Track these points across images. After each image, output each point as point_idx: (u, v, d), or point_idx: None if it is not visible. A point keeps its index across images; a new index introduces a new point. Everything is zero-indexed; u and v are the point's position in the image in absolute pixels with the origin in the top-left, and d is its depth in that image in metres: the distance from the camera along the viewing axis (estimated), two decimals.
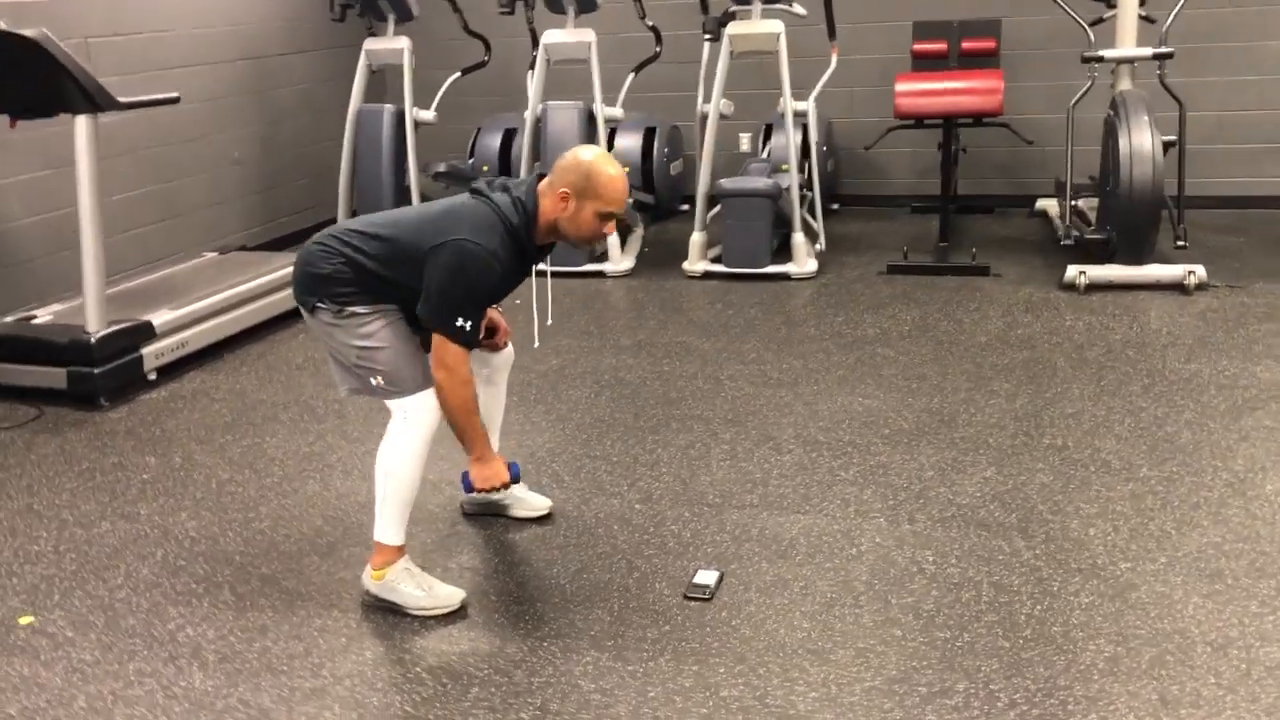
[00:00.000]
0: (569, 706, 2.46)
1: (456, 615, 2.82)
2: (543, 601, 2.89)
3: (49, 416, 4.29)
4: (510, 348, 3.26)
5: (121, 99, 4.34)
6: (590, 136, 5.90)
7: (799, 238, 5.68)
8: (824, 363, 4.51)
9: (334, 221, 6.42)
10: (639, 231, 6.59)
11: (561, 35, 5.96)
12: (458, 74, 6.47)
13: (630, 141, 6.84)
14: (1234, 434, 3.66)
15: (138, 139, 5.66)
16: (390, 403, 2.82)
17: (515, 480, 3.08)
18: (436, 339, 2.74)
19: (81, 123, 4.25)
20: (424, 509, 3.38)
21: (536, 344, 3.17)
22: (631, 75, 6.12)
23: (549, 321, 3.21)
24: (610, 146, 6.88)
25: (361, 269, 2.77)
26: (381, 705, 2.49)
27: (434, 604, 2.83)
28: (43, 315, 4.63)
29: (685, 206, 7.05)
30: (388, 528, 2.85)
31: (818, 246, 5.92)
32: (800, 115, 5.74)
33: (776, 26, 5.61)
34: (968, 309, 5.09)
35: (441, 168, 6.84)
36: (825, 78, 5.82)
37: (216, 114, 6.25)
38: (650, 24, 6.14)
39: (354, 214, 6.32)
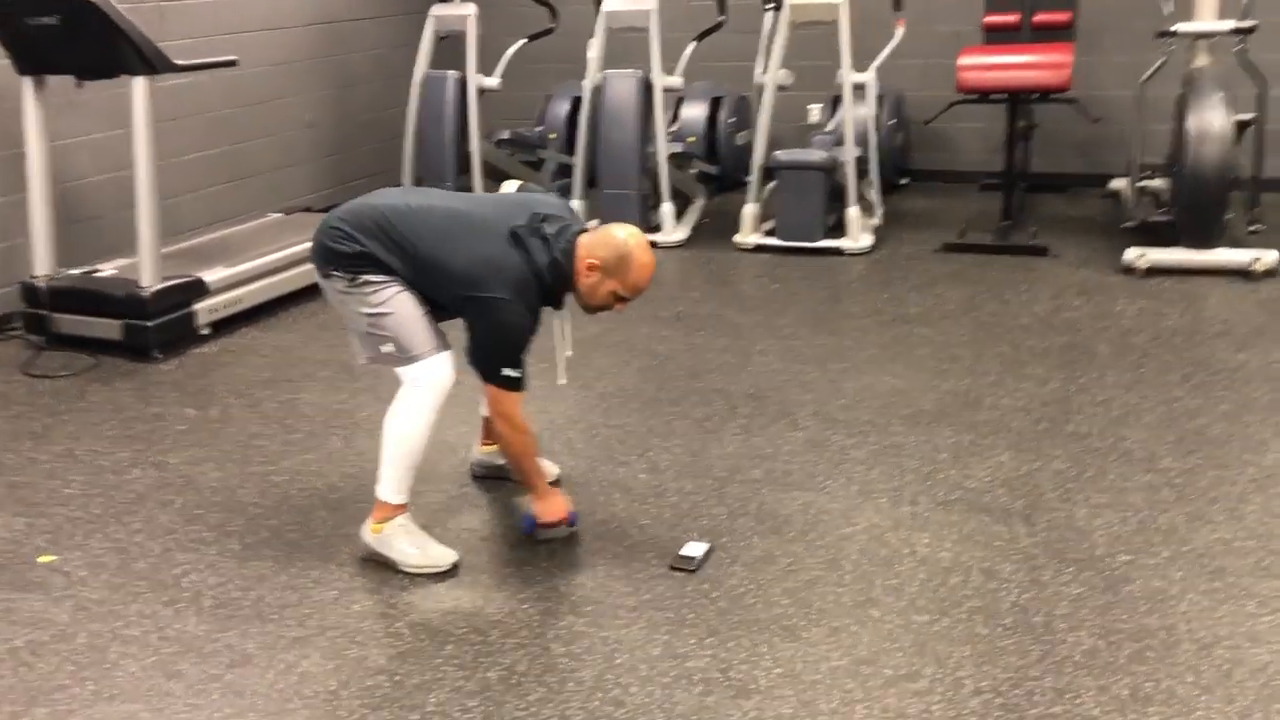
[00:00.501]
0: (535, 669, 2.50)
1: (446, 575, 2.89)
2: (531, 565, 2.94)
3: (105, 366, 4.48)
4: None
5: (178, 61, 4.48)
6: (648, 106, 5.89)
7: (853, 212, 5.60)
8: (858, 340, 4.46)
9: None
10: (699, 203, 6.58)
11: (621, 3, 5.94)
12: (524, 40, 6.50)
13: (696, 111, 6.79)
14: (1270, 429, 3.53)
15: (209, 101, 5.83)
16: (400, 370, 2.88)
17: (573, 524, 3.14)
18: (490, 390, 2.86)
19: (138, 84, 4.40)
20: (435, 469, 3.46)
21: (563, 380, 3.24)
22: (693, 44, 6.08)
23: (569, 352, 3.25)
24: (675, 117, 6.87)
25: (377, 260, 2.83)
26: (357, 658, 2.56)
27: (425, 562, 2.90)
28: (106, 269, 4.83)
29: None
30: (390, 487, 2.92)
31: (874, 222, 5.82)
32: (860, 88, 5.64)
33: None
34: (1017, 290, 4.97)
35: (506, 135, 6.91)
36: (888, 50, 5.72)
37: (289, 78, 6.40)
38: None
39: (419, 181, 6.44)
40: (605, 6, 5.96)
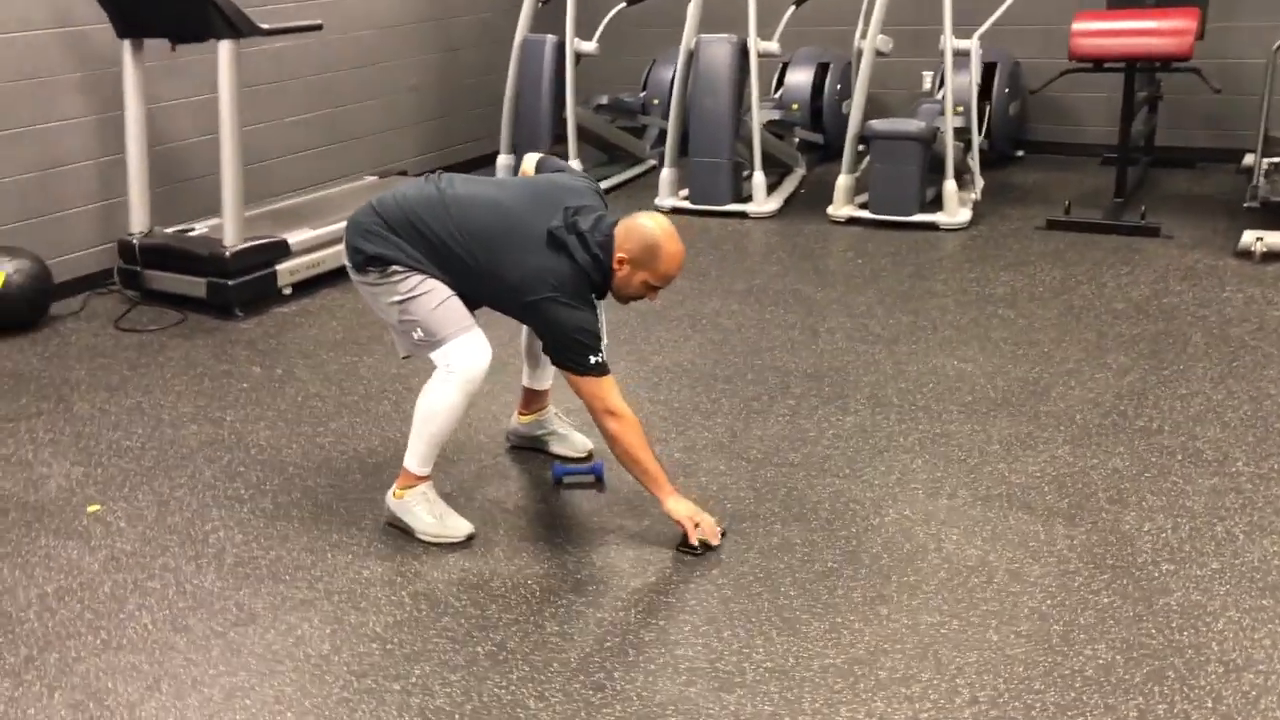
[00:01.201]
0: (525, 646, 2.48)
1: (460, 546, 2.89)
2: (546, 541, 2.91)
3: (190, 323, 4.64)
4: None
5: (264, 25, 4.57)
6: (743, 71, 5.74)
7: (950, 185, 5.37)
8: (934, 320, 4.27)
9: (495, 156, 6.58)
10: (799, 172, 6.42)
11: None
12: (623, 4, 6.42)
13: (800, 77, 6.62)
14: None
15: (312, 64, 5.95)
16: (433, 355, 2.86)
17: (558, 482, 3.17)
18: (586, 388, 2.80)
19: (224, 47, 4.51)
20: (473, 440, 3.47)
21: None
22: (792, 8, 5.91)
23: (604, 341, 3.19)
24: (779, 83, 6.71)
25: (407, 255, 2.82)
26: (356, 623, 2.59)
27: (441, 532, 2.91)
28: (199, 229, 4.99)
29: (862, 148, 6.76)
30: (415, 459, 2.92)
31: (973, 196, 5.57)
32: (962, 54, 5.39)
33: None
34: (1117, 272, 4.68)
35: (604, 100, 6.87)
36: (996, 15, 5.43)
37: (393, 41, 6.49)
38: None
39: (514, 149, 6.44)
40: None
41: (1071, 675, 2.30)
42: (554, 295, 2.74)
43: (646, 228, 2.81)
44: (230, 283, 4.61)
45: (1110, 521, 2.86)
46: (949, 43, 5.30)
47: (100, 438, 3.60)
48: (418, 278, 2.83)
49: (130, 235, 4.86)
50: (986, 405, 3.55)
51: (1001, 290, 4.56)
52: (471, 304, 2.92)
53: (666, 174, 5.99)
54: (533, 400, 3.35)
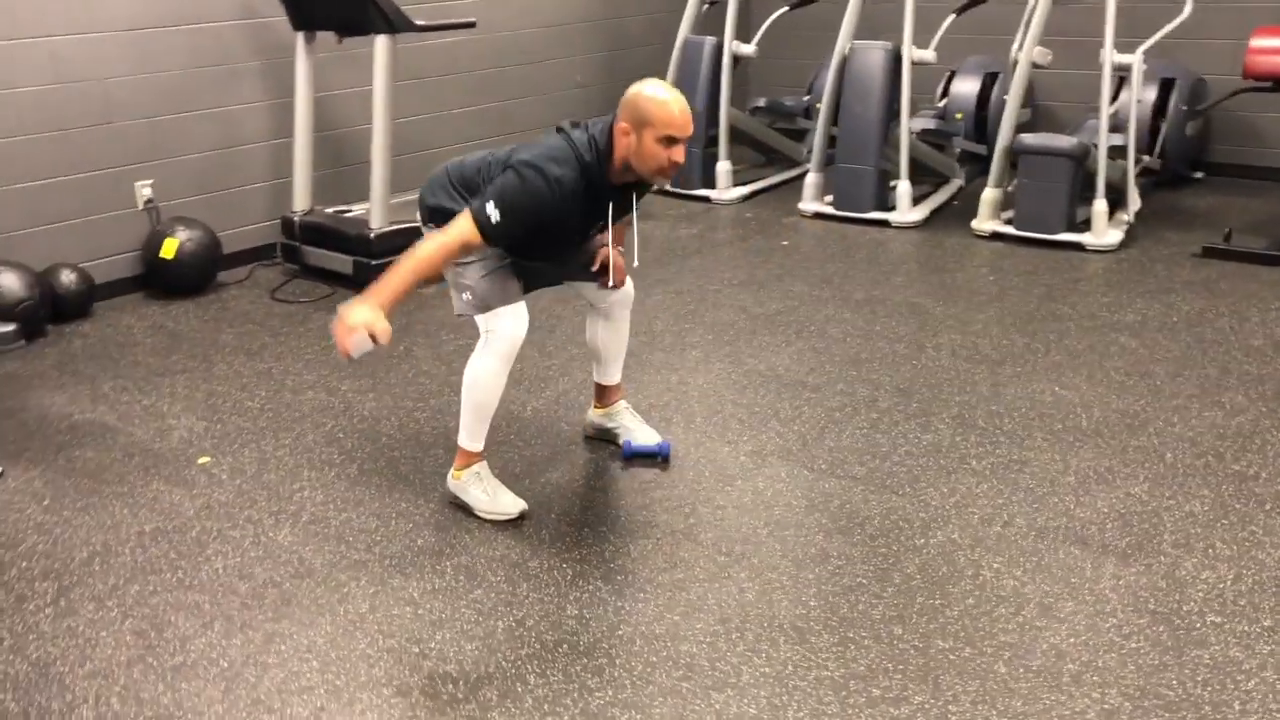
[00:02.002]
0: (542, 625, 2.60)
1: (511, 524, 3.03)
2: (590, 528, 3.02)
3: (336, 297, 4.93)
4: (630, 286, 3.35)
5: (418, 22, 4.84)
6: (895, 79, 5.66)
7: (1099, 206, 5.14)
8: (1048, 344, 4.14)
9: None
10: (956, 183, 6.28)
11: None
12: (785, 8, 6.43)
13: (967, 86, 6.44)
14: None
15: (481, 59, 6.23)
16: (478, 319, 3.04)
17: (628, 456, 3.33)
18: (459, 219, 2.81)
19: (380, 41, 4.81)
20: (554, 425, 3.62)
21: (610, 284, 3.19)
22: (951, 17, 5.78)
23: (635, 263, 3.26)
24: (945, 93, 6.57)
25: (460, 200, 2.98)
26: (397, 587, 2.77)
27: (494, 509, 3.06)
28: (356, 210, 5.33)
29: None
30: (467, 434, 3.10)
31: (1126, 218, 5.32)
32: (1123, 70, 5.15)
33: None
34: (1265, 308, 4.40)
35: (761, 102, 6.90)
36: (1166, 29, 5.17)
37: (562, 38, 6.71)
38: None
39: None
40: None
41: (1070, 717, 2.24)
42: (530, 160, 2.80)
43: (632, 91, 2.86)
44: (373, 262, 4.91)
45: (1167, 565, 2.74)
46: (1109, 57, 5.08)
47: (228, 397, 3.93)
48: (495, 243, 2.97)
49: (293, 213, 5.25)
50: (1074, 435, 3.43)
51: (1131, 318, 4.37)
52: (531, 280, 3.07)
53: (811, 179, 5.98)
54: (604, 394, 3.46)
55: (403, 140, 5.48)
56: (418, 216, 3.14)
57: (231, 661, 2.50)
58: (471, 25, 5.19)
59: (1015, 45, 5.58)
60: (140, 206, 5.07)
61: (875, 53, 5.68)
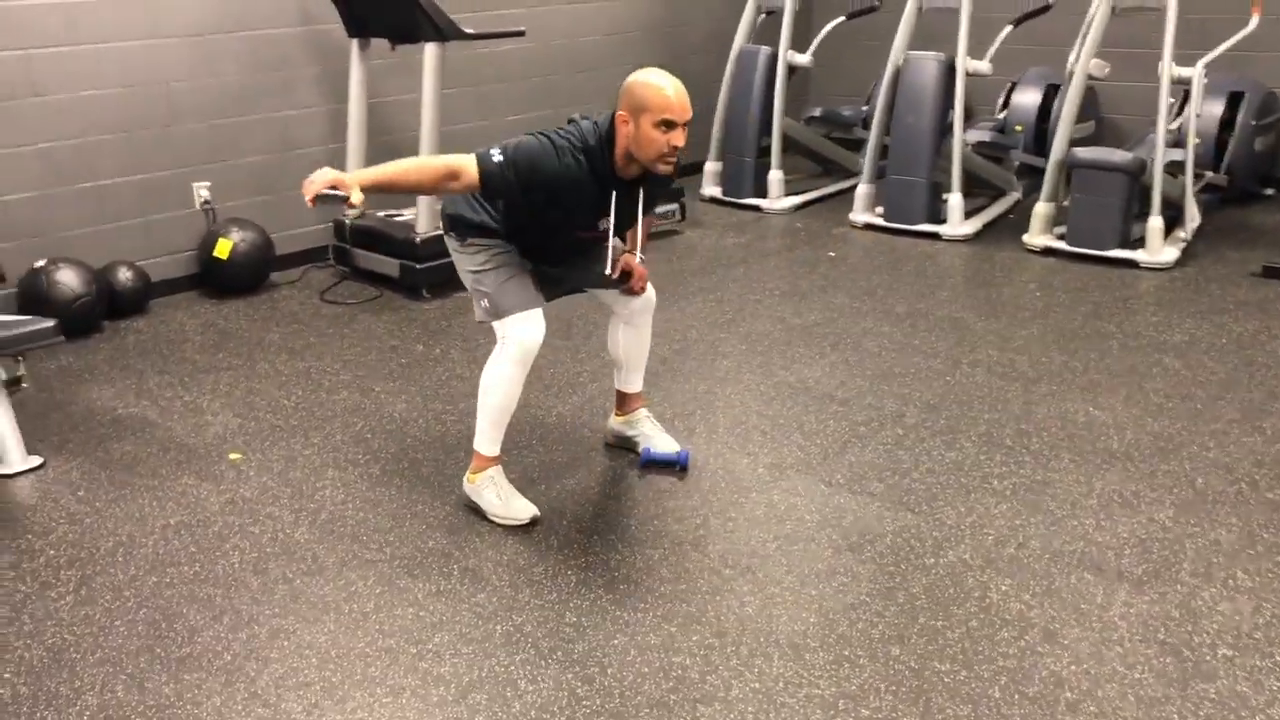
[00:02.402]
0: (539, 631, 2.61)
1: (522, 529, 3.06)
2: (600, 536, 3.03)
3: (383, 300, 5.05)
4: (651, 292, 3.35)
5: (468, 30, 4.91)
6: (949, 90, 5.59)
7: (1155, 222, 5.02)
8: (1088, 363, 4.05)
9: (702, 162, 6.71)
10: (1013, 196, 6.18)
11: None
12: (841, 18, 6.39)
13: (1028, 98, 6.33)
14: None
15: (538, 66, 6.29)
16: (495, 325, 3.08)
17: (645, 464, 3.34)
18: (467, 157, 2.82)
19: (430, 49, 4.88)
20: (576, 432, 3.64)
21: (609, 271, 3.17)
22: (1009, 28, 5.69)
23: (641, 255, 3.25)
24: (1005, 104, 6.46)
25: (480, 222, 3.02)
26: (403, 588, 2.81)
27: (506, 514, 3.09)
28: (406, 215, 5.42)
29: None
30: (482, 438, 3.13)
31: (1183, 235, 5.18)
32: (1184, 83, 5.02)
33: None
34: None
35: (817, 112, 6.86)
36: (1230, 43, 5.02)
37: (618, 46, 6.74)
38: None
39: (721, 156, 6.54)
40: None
41: None
42: (544, 134, 2.86)
43: (629, 79, 2.88)
44: (419, 266, 4.99)
45: (1183, 595, 2.66)
46: (1167, 69, 4.96)
47: (266, 394, 4.02)
48: (490, 251, 3.02)
49: (344, 216, 5.35)
50: (1102, 457, 3.35)
51: (1178, 338, 4.25)
52: (550, 288, 3.11)
53: (862, 190, 5.93)
54: (625, 402, 3.47)
55: (454, 146, 5.52)
56: (446, 228, 3.17)
57: (235, 655, 2.56)
58: (521, 34, 5.24)
59: (1072, 57, 5.47)
60: (198, 207, 5.21)
61: (929, 63, 5.61)
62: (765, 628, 2.60)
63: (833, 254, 5.51)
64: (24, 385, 4.12)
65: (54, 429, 3.78)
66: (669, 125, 2.81)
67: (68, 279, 4.59)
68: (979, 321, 4.52)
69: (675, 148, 2.84)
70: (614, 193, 2.96)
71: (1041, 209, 5.37)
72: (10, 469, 3.47)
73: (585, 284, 3.27)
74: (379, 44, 5.20)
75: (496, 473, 3.15)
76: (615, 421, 3.52)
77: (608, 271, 3.13)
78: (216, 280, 5.16)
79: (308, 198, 2.74)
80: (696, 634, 2.58)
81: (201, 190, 5.20)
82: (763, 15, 6.50)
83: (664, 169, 2.90)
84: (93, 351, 4.50)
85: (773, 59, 6.26)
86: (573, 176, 2.86)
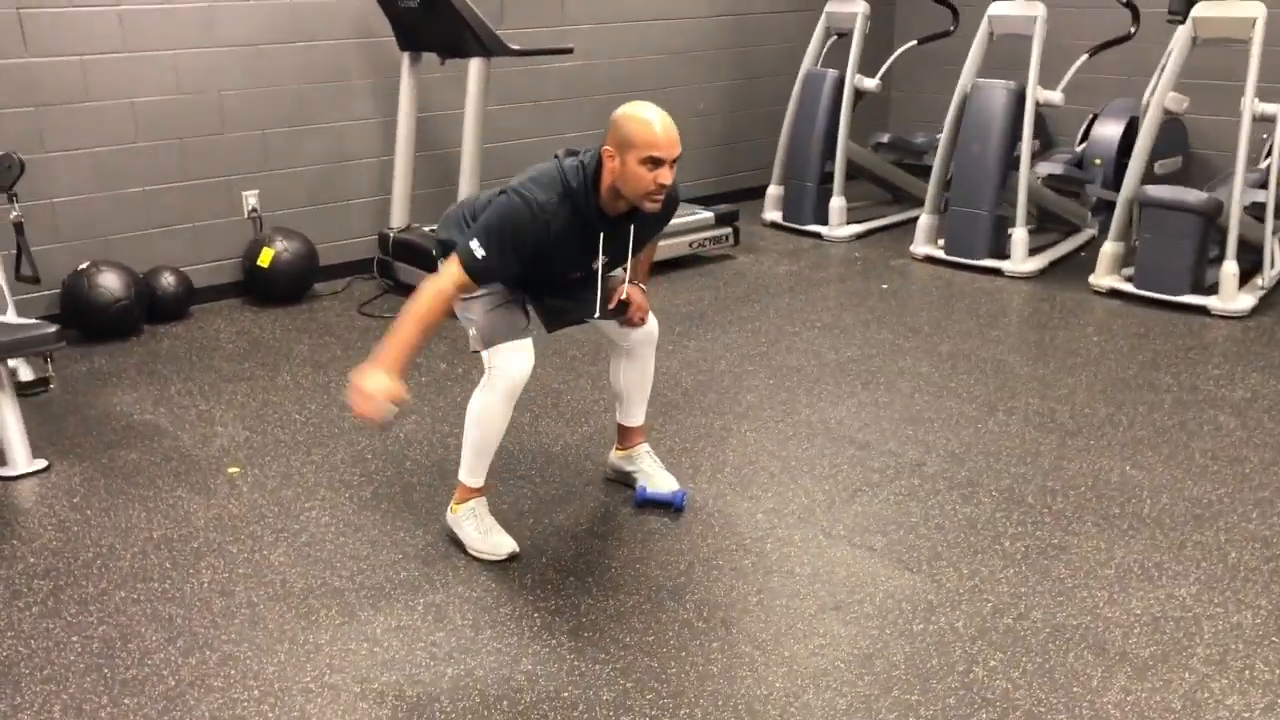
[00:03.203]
0: (490, 678, 2.49)
1: (499, 564, 2.94)
2: (577, 578, 2.90)
3: None
4: (652, 324, 3.21)
5: (514, 46, 4.84)
6: (1018, 119, 5.34)
7: (1229, 268, 4.70)
8: (1134, 417, 3.78)
9: (766, 185, 6.55)
10: (1088, 233, 5.88)
11: (1008, 7, 5.42)
12: (913, 42, 6.17)
13: (1109, 131, 6.01)
14: None
15: (599, 84, 6.20)
16: (483, 354, 2.98)
17: (640, 503, 3.22)
18: (447, 263, 2.77)
19: (474, 64, 4.84)
20: (575, 464, 3.53)
21: (597, 316, 3.07)
22: (1084, 56, 5.42)
23: (641, 287, 3.13)
24: (1085, 137, 6.17)
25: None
26: (364, 620, 2.71)
27: (484, 548, 2.98)
28: None
29: None
30: (465, 468, 3.03)
31: (1261, 283, 4.84)
32: (1268, 119, 4.70)
33: (1254, 10, 4.62)
34: None
35: (884, 138, 6.64)
36: None
37: (686, 66, 6.62)
38: (1126, 0, 5.36)
39: (784, 181, 6.37)
40: (990, 10, 5.48)
41: None
42: (515, 187, 2.77)
43: (616, 113, 2.77)
44: None
45: (1190, 684, 2.42)
46: (1249, 105, 4.64)
47: (279, 408, 3.99)
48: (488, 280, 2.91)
49: (389, 229, 5.34)
50: (1129, 522, 3.10)
51: (1239, 394, 3.95)
52: (549, 313, 3.04)
53: (924, 220, 5.70)
54: (626, 436, 3.34)
55: (512, 162, 5.46)
56: (439, 255, 3.09)
57: (180, 680, 2.50)
58: (568, 52, 5.16)
59: (1149, 90, 5.18)
60: (245, 215, 5.25)
61: (997, 91, 5.37)
62: (725, 690, 2.44)
63: (885, 286, 5.31)
64: (51, 386, 4.19)
65: (67, 432, 3.80)
66: (655, 162, 2.70)
67: (108, 282, 4.65)
68: (1025, 366, 4.28)
69: (661, 185, 2.72)
70: (601, 234, 2.85)
71: (1109, 248, 5.09)
72: (13, 471, 3.49)
73: (585, 315, 3.15)
74: (430, 58, 5.19)
75: (479, 504, 3.05)
76: (616, 456, 3.39)
77: (596, 315, 3.03)
78: (259, 289, 5.18)
79: (377, 423, 2.67)
80: (652, 692, 2.44)
81: (250, 198, 5.24)
82: (834, 38, 6.32)
83: (651, 206, 2.78)
84: (126, 355, 4.55)
85: (839, 82, 6.07)
86: (554, 230, 2.77)
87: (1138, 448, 3.56)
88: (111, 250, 4.87)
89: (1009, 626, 2.65)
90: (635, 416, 3.32)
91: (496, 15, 5.68)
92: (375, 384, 2.62)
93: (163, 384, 4.23)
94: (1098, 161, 6.02)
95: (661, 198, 2.76)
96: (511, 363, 2.91)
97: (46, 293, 4.70)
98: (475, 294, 2.93)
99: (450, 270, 2.76)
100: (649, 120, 2.70)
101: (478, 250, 2.72)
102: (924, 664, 2.52)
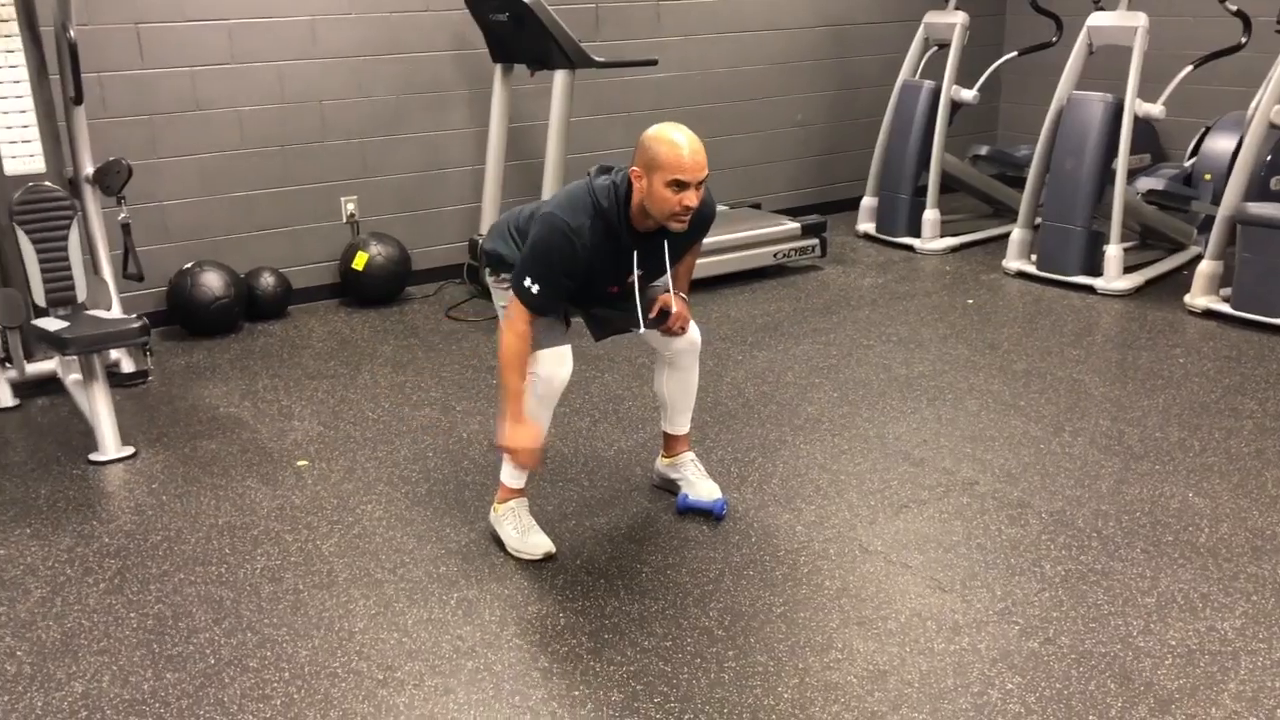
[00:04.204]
0: (507, 674, 2.56)
1: (535, 564, 3.02)
2: (607, 580, 2.95)
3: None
4: (694, 334, 3.24)
5: (598, 59, 4.93)
6: (1115, 133, 5.18)
7: None
8: (1207, 443, 3.64)
9: (860, 196, 6.50)
10: (1193, 250, 5.67)
11: (1108, 18, 5.27)
12: (1013, 54, 6.04)
13: (1221, 145, 5.75)
14: None
15: (691, 94, 6.25)
16: None
17: (681, 510, 3.27)
18: (512, 303, 2.90)
19: (559, 76, 4.94)
20: (624, 469, 3.58)
21: (642, 329, 3.12)
22: (1188, 68, 5.22)
23: (682, 297, 3.17)
24: (1194, 151, 5.94)
25: (516, 249, 3.02)
26: (398, 612, 2.82)
27: (521, 548, 3.06)
28: None
29: None
30: (507, 470, 3.12)
31: None
32: None
33: None
34: None
35: (983, 150, 6.51)
36: None
37: (785, 76, 6.62)
38: (1235, 9, 5.15)
39: (878, 192, 6.31)
40: (1090, 21, 5.33)
41: None
42: (550, 211, 2.86)
43: (645, 134, 2.82)
44: None
45: (1223, 715, 2.34)
46: None
47: (355, 405, 4.16)
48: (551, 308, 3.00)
49: (478, 235, 5.49)
50: (1181, 550, 3.00)
51: None
52: (595, 323, 3.13)
53: (1017, 235, 5.58)
54: (671, 444, 3.38)
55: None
56: (485, 264, 3.20)
57: (219, 659, 2.64)
58: (653, 63, 5.23)
59: (1253, 103, 4.96)
60: (344, 220, 5.47)
61: (1094, 104, 5.22)
62: (733, 698, 2.46)
63: (970, 301, 5.22)
64: (150, 378, 4.45)
65: (158, 422, 4.04)
66: (680, 185, 2.76)
67: (210, 281, 4.91)
68: (1101, 386, 4.16)
69: (686, 207, 2.79)
70: (635, 251, 2.92)
71: (1206, 267, 4.90)
72: (103, 456, 3.73)
73: (629, 326, 3.21)
74: (521, 70, 5.32)
75: (519, 505, 3.13)
76: (661, 463, 3.44)
77: (641, 330, 3.09)
78: (354, 291, 5.39)
79: (536, 468, 3.02)
80: (660, 696, 2.47)
81: (348, 204, 5.46)
82: (934, 48, 6.23)
83: (676, 227, 2.85)
84: (223, 350, 4.79)
85: (935, 94, 5.99)
86: (588, 249, 2.84)
87: (1205, 474, 3.44)
88: (216, 251, 5.14)
89: (1033, 650, 2.60)
90: (679, 424, 3.35)
91: (592, 27, 5.81)
92: (524, 441, 2.89)
93: (251, 379, 4.44)
94: (1208, 176, 5.78)
95: (687, 219, 2.82)
96: (550, 368, 2.98)
97: (155, 290, 5.00)
98: (509, 302, 3.02)
99: (517, 311, 2.89)
100: (676, 143, 2.76)
101: (531, 287, 2.84)
102: (938, 684, 2.49)
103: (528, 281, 2.85)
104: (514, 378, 2.88)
